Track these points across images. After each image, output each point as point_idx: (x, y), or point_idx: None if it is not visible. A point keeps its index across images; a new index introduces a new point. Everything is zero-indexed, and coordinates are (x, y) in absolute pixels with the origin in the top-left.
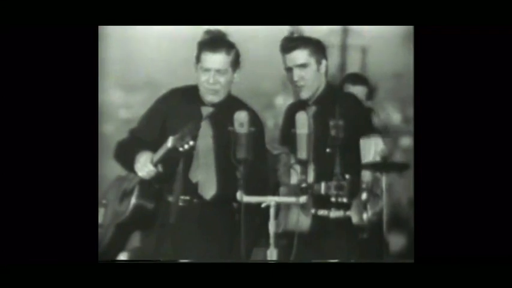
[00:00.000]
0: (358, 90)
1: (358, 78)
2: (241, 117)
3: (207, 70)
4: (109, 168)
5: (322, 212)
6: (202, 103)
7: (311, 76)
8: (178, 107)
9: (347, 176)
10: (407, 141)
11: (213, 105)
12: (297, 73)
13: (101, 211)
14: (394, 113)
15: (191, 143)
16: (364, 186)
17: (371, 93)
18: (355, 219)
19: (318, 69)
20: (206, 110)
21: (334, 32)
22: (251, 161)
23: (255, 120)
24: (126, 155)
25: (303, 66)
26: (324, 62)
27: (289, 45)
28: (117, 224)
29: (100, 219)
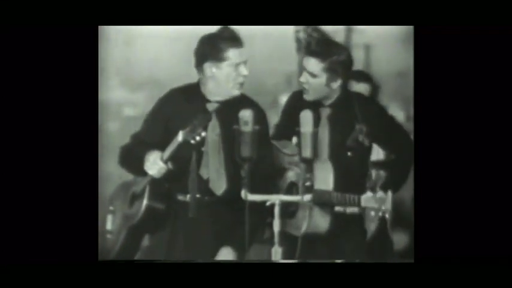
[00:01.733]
0: (362, 88)
1: (362, 76)
2: (245, 115)
3: (238, 64)
4: (112, 166)
5: (338, 208)
6: (206, 100)
7: (316, 86)
8: (181, 106)
9: (389, 192)
10: None
11: (217, 101)
12: (305, 76)
13: (109, 218)
14: (397, 112)
15: (203, 134)
16: (368, 184)
17: (375, 90)
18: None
19: (328, 85)
20: (211, 107)
21: (338, 31)
22: (256, 159)
23: (261, 117)
24: (132, 158)
25: (312, 75)
26: (339, 81)
27: (312, 48)
28: (130, 227)
29: (109, 226)
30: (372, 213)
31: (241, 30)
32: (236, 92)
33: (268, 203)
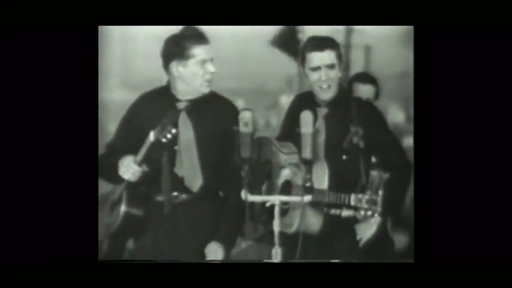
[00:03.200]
0: (367, 90)
1: (368, 78)
2: (245, 116)
3: (205, 61)
4: None
5: (333, 211)
6: (176, 99)
7: (334, 77)
8: (152, 109)
9: (380, 192)
10: (411, 141)
11: (188, 100)
12: (326, 73)
13: None
14: (397, 112)
15: (173, 131)
16: (368, 185)
17: (378, 92)
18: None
19: (339, 71)
20: (181, 105)
21: (338, 31)
22: (255, 160)
23: (232, 113)
24: (108, 168)
25: (332, 67)
26: (342, 65)
27: (320, 43)
28: (110, 235)
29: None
30: (362, 212)
31: (241, 30)
32: (205, 90)
33: (268, 204)
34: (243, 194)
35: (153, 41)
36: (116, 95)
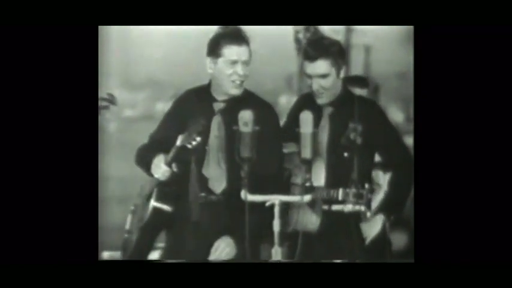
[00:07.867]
0: (360, 93)
1: (358, 81)
2: (245, 116)
3: (234, 62)
4: (112, 167)
5: (336, 207)
6: (214, 100)
7: (330, 85)
8: (193, 106)
9: (366, 186)
10: (410, 141)
11: (223, 100)
12: (317, 82)
13: (129, 217)
14: (397, 112)
15: (198, 139)
16: (374, 185)
17: (374, 93)
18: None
19: (338, 76)
20: (217, 106)
21: (338, 31)
22: (256, 159)
23: (269, 116)
24: (145, 159)
25: (324, 76)
26: (343, 68)
27: (312, 53)
28: (140, 228)
29: (127, 226)
30: (350, 206)
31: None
32: (233, 91)
33: (267, 204)
34: (243, 194)
35: (153, 42)
36: (115, 95)
